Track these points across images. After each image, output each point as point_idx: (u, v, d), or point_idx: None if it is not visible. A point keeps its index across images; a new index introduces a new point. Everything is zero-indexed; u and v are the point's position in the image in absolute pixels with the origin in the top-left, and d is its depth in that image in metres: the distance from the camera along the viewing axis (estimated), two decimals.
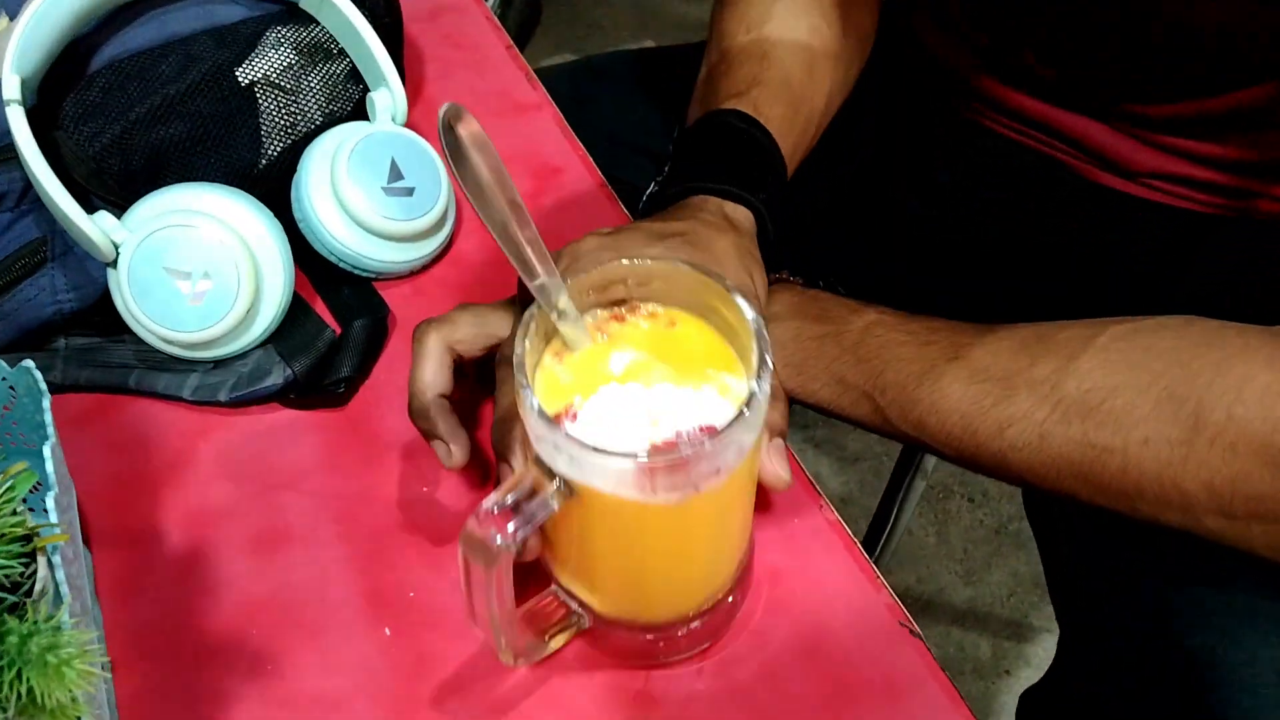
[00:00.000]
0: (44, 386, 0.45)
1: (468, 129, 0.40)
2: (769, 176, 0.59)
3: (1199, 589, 0.58)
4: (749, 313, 0.41)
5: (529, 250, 0.41)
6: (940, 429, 0.52)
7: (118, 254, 0.55)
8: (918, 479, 1.12)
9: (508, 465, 0.46)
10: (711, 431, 0.40)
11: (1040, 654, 1.34)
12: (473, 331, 0.51)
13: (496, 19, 0.83)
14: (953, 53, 0.76)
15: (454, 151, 0.40)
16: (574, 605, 0.47)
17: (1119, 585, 0.63)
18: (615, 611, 0.47)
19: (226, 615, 0.50)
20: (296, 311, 0.59)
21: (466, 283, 0.64)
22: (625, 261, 0.43)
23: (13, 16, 0.56)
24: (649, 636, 0.48)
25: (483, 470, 0.54)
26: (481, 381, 0.54)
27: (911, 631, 0.50)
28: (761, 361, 0.39)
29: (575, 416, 0.41)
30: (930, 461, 1.09)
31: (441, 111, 0.40)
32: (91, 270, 0.57)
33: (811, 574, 0.52)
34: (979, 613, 1.37)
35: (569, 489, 0.39)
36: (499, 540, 0.38)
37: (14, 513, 0.38)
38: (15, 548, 0.37)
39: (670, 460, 0.37)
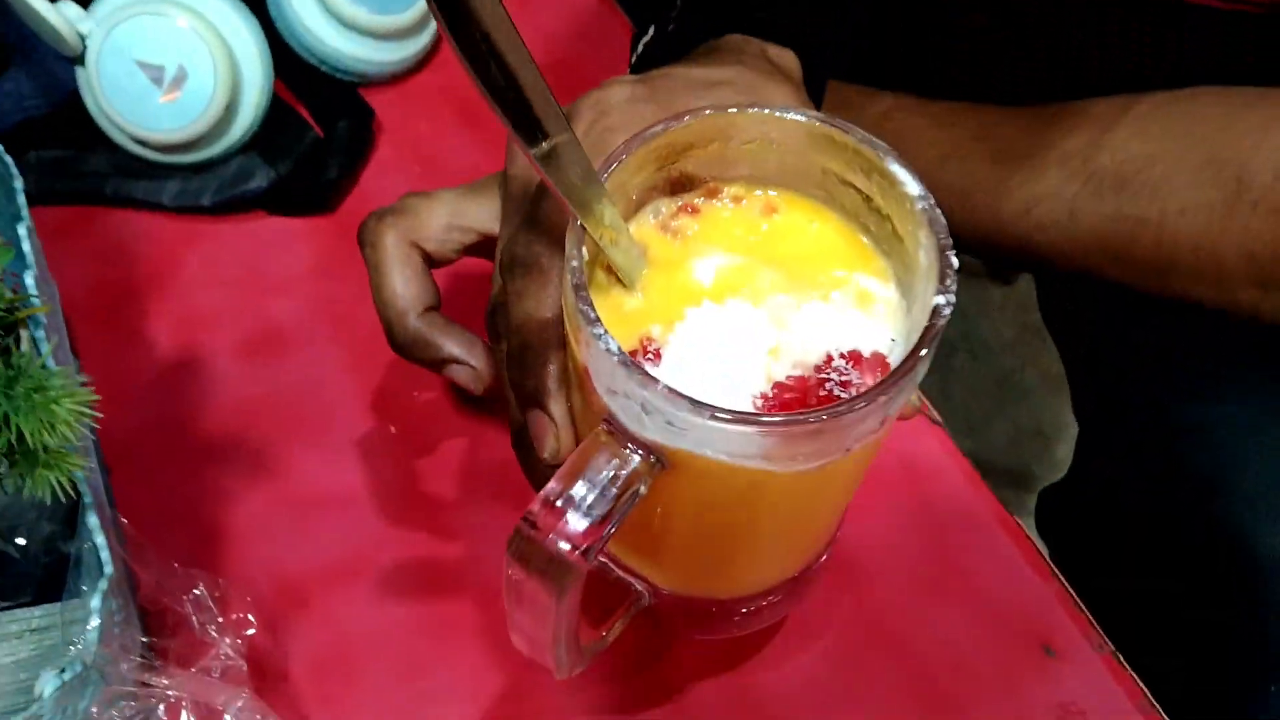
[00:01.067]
0: (14, 170, 0.42)
1: None
2: (819, 8, 0.46)
3: (1211, 405, 0.57)
4: (913, 187, 0.28)
5: (536, 99, 0.27)
6: (965, 215, 0.50)
7: (85, 48, 0.51)
8: None
9: (543, 414, 0.32)
10: (859, 360, 0.28)
11: None
12: (443, 223, 0.39)
13: None
14: None
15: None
16: (632, 582, 0.36)
17: (1134, 392, 0.62)
18: (688, 589, 0.36)
19: (223, 418, 0.48)
20: (277, 113, 0.56)
21: (456, 88, 0.60)
22: (707, 112, 0.30)
23: None
24: (714, 610, 0.37)
25: None
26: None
27: (931, 419, 0.49)
28: (944, 264, 0.27)
29: (657, 355, 0.28)
30: None
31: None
32: (58, 72, 0.54)
33: None
34: (980, 463, 1.37)
35: (660, 461, 0.27)
36: (574, 551, 0.26)
37: None
38: None
39: (827, 418, 0.25)
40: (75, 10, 0.51)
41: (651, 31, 0.47)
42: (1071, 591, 0.44)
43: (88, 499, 0.35)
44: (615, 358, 0.26)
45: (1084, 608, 0.43)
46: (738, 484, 0.28)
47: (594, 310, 0.26)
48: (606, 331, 0.26)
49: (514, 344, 0.33)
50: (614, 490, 0.26)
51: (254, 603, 0.40)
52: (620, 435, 0.27)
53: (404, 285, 0.38)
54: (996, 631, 0.43)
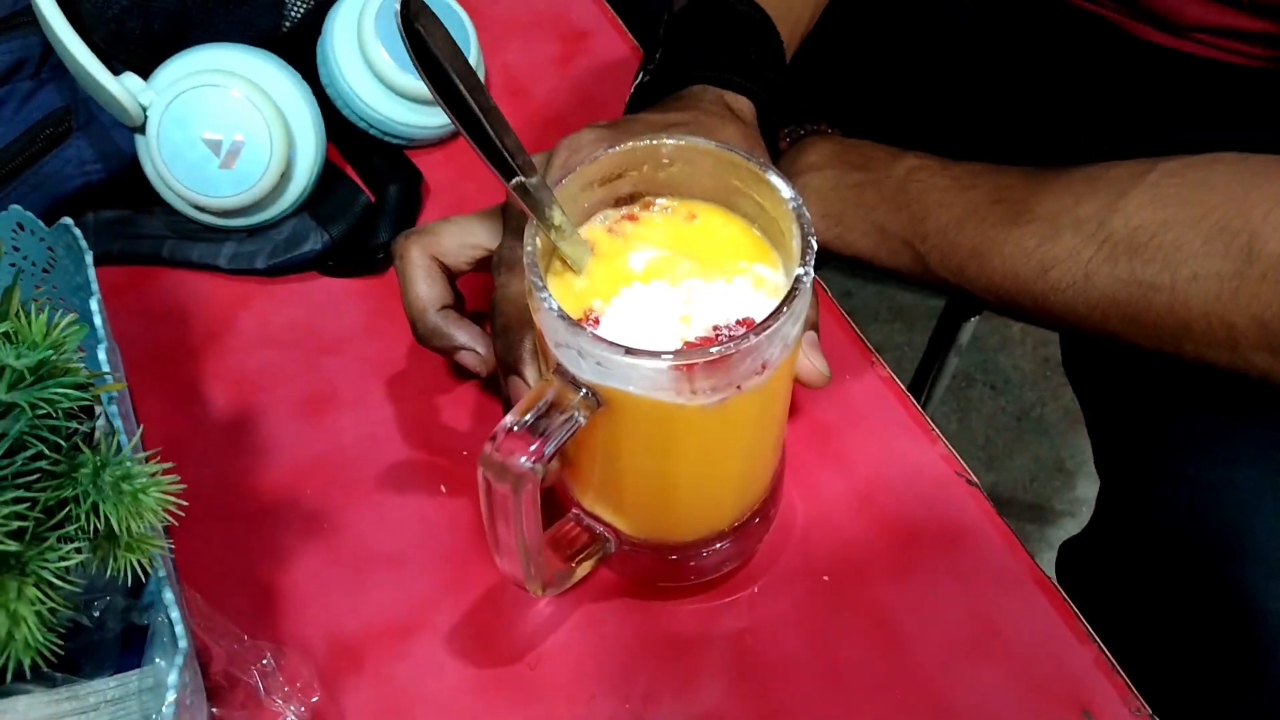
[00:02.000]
0: (84, 244, 0.44)
1: (427, 21, 0.34)
2: (769, 63, 0.54)
3: (1224, 467, 0.58)
4: (786, 191, 0.37)
5: (505, 147, 0.36)
6: (981, 274, 0.51)
7: (145, 117, 0.53)
8: (943, 374, 1.11)
9: (519, 379, 0.42)
10: (750, 325, 0.37)
11: (1062, 537, 1.35)
12: (457, 241, 0.47)
13: None
14: None
15: (415, 46, 0.34)
16: (599, 529, 0.44)
17: (1153, 450, 0.63)
18: (644, 533, 0.44)
19: (279, 477, 0.50)
20: (330, 177, 0.57)
21: None
22: (635, 143, 0.39)
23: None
24: (674, 558, 0.45)
25: None
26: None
27: (969, 481, 0.50)
28: (805, 245, 0.35)
29: (596, 321, 0.37)
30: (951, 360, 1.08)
31: (398, 4, 0.34)
32: (118, 139, 0.56)
33: (864, 429, 0.51)
34: (1001, 498, 1.38)
35: (596, 399, 0.35)
36: (525, 462, 0.34)
37: (70, 363, 0.38)
38: (75, 393, 0.36)
39: (713, 355, 0.33)
40: (136, 82, 0.53)
41: (641, 76, 0.55)
42: (1108, 654, 0.45)
43: (162, 573, 0.37)
44: (556, 313, 0.34)
45: (1121, 671, 0.44)
46: (658, 416, 0.36)
47: (542, 280, 0.35)
48: (550, 295, 0.34)
49: (498, 324, 0.43)
50: (558, 417, 0.35)
51: (315, 668, 0.41)
52: (564, 377, 0.35)
53: (425, 289, 0.46)
54: (1035, 694, 0.44)
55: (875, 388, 0.53)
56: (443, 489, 0.49)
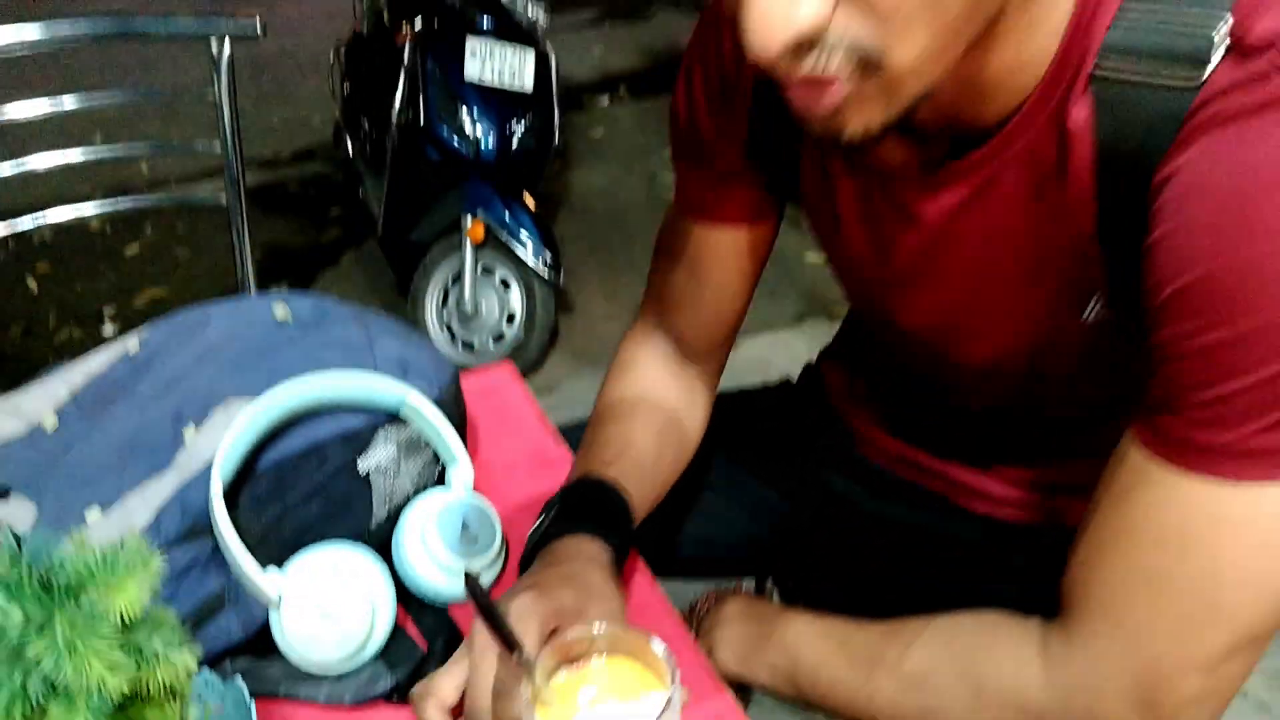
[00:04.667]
0: (251, 704, 0.68)
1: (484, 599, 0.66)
2: (622, 526, 0.85)
3: None
4: (659, 650, 0.65)
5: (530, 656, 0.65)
6: (832, 704, 0.75)
7: (280, 598, 0.79)
8: None
9: None
10: None
11: None
12: (455, 683, 0.71)
13: (528, 388, 1.12)
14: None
15: (482, 610, 0.66)
16: None
17: None
18: None
19: None
20: (396, 634, 0.82)
21: None
22: (578, 633, 0.66)
23: None
24: None
25: None
26: None
27: None
28: (674, 678, 0.63)
29: None
30: None
31: (467, 586, 0.67)
32: (255, 610, 0.81)
33: None
34: None
35: None
36: None
37: None
38: None
39: None
40: (275, 574, 0.79)
41: (538, 523, 0.85)
42: None
43: None
44: None
45: None
46: None
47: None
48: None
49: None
50: None
51: None
52: None
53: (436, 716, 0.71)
54: None
55: None
56: None
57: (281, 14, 5.08)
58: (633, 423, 0.94)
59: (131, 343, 0.96)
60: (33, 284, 3.16)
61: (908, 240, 0.76)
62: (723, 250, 0.92)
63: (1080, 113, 0.63)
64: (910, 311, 0.81)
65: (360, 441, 0.88)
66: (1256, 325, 0.55)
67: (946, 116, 0.67)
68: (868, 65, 0.56)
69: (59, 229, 2.41)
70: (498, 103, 2.65)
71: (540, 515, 0.86)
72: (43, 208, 1.47)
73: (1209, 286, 0.57)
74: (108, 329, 2.99)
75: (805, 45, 0.55)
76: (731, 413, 1.08)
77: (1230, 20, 0.57)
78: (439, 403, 0.90)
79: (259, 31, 1.26)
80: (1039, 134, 0.65)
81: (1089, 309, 0.69)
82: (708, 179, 0.90)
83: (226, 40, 1.21)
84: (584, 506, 0.85)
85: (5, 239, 1.44)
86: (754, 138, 0.83)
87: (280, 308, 0.93)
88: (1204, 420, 0.59)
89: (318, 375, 0.85)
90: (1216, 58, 0.57)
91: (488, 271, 2.68)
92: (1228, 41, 0.57)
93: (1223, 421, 0.58)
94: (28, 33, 1.26)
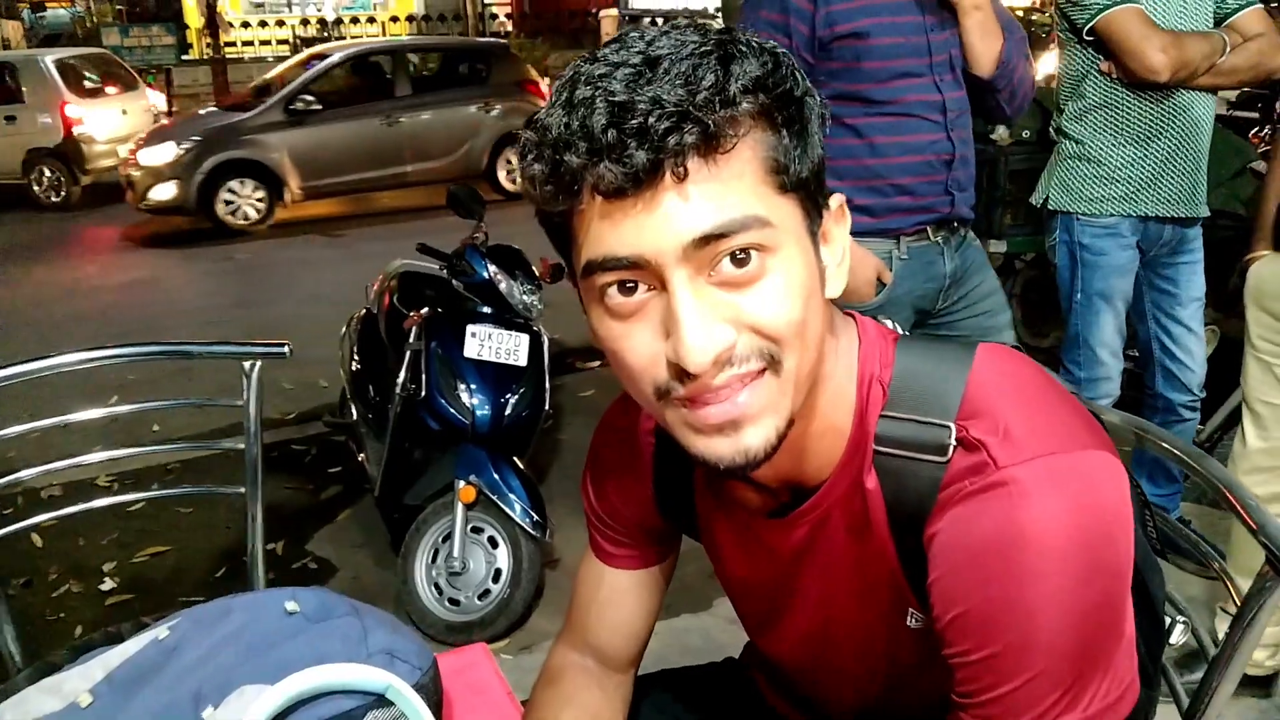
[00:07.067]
0: None
1: None
2: None
3: None
4: None
5: None
6: None
7: None
8: None
9: None
10: None
11: None
12: None
13: (498, 667, 1.27)
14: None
15: None
16: None
17: None
18: None
19: None
20: None
21: None
22: None
23: None
24: None
25: None
26: None
27: None
28: None
29: None
30: None
31: None
32: None
33: None
34: None
35: None
36: None
37: None
38: None
39: None
40: None
41: None
42: None
43: None
44: None
45: None
46: None
47: None
48: None
49: None
50: None
51: None
52: None
53: None
54: None
55: None
56: None
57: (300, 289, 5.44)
58: None
59: (162, 629, 1.13)
60: (37, 537, 3.31)
61: (770, 570, 0.97)
62: (625, 587, 1.15)
63: (871, 480, 0.85)
64: (779, 640, 1.04)
65: None
66: (1006, 645, 0.76)
67: (781, 476, 0.89)
68: (773, 361, 0.76)
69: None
70: (494, 376, 2.92)
71: None
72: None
73: (971, 618, 0.78)
74: (106, 584, 3.12)
75: (724, 360, 0.75)
76: (675, 691, 1.24)
77: (954, 428, 0.81)
78: (419, 687, 1.07)
79: (286, 353, 1.50)
80: (847, 492, 0.87)
81: (910, 618, 0.90)
82: (610, 538, 1.14)
83: (258, 363, 1.45)
84: None
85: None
86: (658, 490, 1.07)
87: (291, 603, 1.12)
88: (989, 716, 0.78)
89: (319, 668, 1.02)
90: (952, 448, 0.80)
91: (477, 530, 2.84)
92: (955, 439, 0.81)
93: (1001, 718, 0.78)
94: (92, 355, 1.51)
